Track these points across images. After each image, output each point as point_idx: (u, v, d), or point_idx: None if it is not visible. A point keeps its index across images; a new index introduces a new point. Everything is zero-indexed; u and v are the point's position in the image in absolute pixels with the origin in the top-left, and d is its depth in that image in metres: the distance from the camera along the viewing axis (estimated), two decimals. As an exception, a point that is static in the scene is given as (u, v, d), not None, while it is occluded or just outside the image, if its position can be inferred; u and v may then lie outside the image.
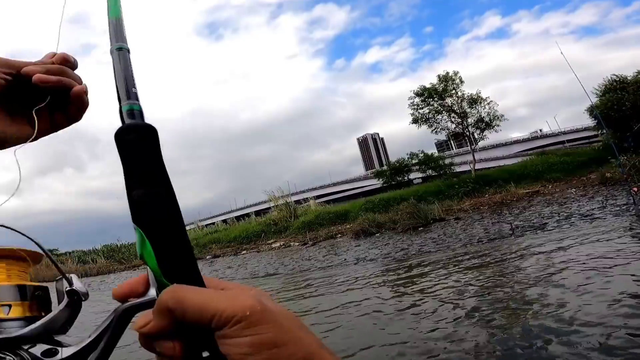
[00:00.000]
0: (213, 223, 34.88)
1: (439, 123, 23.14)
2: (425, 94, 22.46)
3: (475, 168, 23.68)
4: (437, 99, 22.31)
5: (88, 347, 0.32)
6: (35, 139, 0.46)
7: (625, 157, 15.74)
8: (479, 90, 22.27)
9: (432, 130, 23.45)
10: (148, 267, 0.33)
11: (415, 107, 23.09)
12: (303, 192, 56.91)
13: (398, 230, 15.50)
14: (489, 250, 7.57)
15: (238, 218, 33.01)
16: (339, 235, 18.92)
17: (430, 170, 26.06)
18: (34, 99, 0.45)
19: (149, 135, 0.36)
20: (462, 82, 22.28)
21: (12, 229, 0.34)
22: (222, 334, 0.28)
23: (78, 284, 0.36)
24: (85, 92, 0.47)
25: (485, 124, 22.29)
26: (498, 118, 22.18)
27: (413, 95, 22.99)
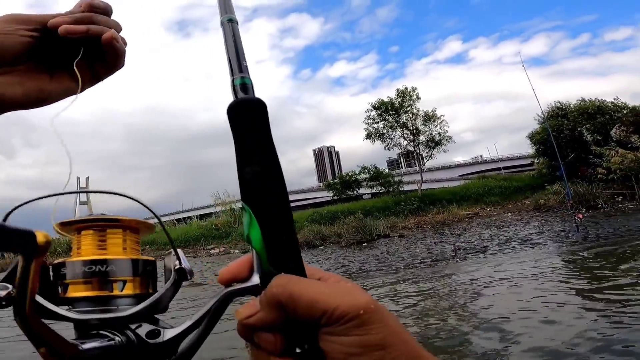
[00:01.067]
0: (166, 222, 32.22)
1: (392, 139, 23.10)
2: (383, 107, 22.34)
3: (422, 188, 23.95)
4: (393, 113, 22.24)
5: (188, 329, 0.31)
6: (80, 91, 0.44)
7: (559, 185, 16.49)
8: (435, 108, 22.58)
9: (385, 146, 23.38)
10: (254, 250, 0.31)
11: (371, 120, 22.89)
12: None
13: (342, 244, 14.88)
14: (432, 275, 7.05)
15: (179, 220, 30.78)
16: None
17: (379, 187, 26.01)
18: (70, 52, 0.43)
19: (261, 110, 0.34)
20: (418, 98, 22.46)
21: (133, 198, 0.33)
22: (329, 331, 0.26)
23: (185, 262, 0.34)
24: (116, 38, 0.43)
25: (435, 143, 22.57)
26: (447, 139, 22.57)
27: (370, 107, 22.80)
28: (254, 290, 0.30)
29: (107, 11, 0.44)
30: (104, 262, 0.31)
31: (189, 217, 31.04)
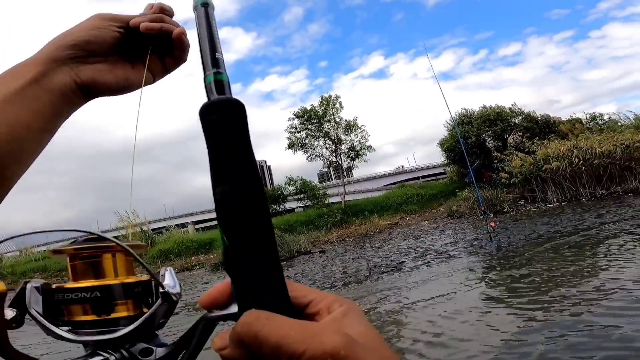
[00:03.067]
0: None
1: (314, 149, 22.17)
2: (305, 116, 21.34)
3: (348, 199, 23.37)
4: (315, 122, 21.36)
5: (179, 349, 0.31)
6: (155, 81, 0.51)
7: (468, 191, 16.82)
8: (356, 117, 22.15)
9: (308, 157, 22.38)
10: (230, 279, 0.29)
11: (294, 129, 21.77)
12: (181, 216, 50.77)
13: (260, 265, 13.31)
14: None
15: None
16: (197, 266, 15.81)
17: (306, 200, 24.92)
18: (143, 47, 0.48)
19: (238, 114, 0.29)
20: (342, 107, 21.91)
21: (94, 233, 0.33)
22: None
23: (171, 281, 0.33)
24: (184, 33, 0.49)
25: (355, 153, 22.12)
26: (367, 148, 22.26)
27: (292, 116, 21.69)
28: (234, 317, 0.28)
29: (172, 13, 0.50)
30: (95, 288, 0.31)
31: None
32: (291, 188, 24.87)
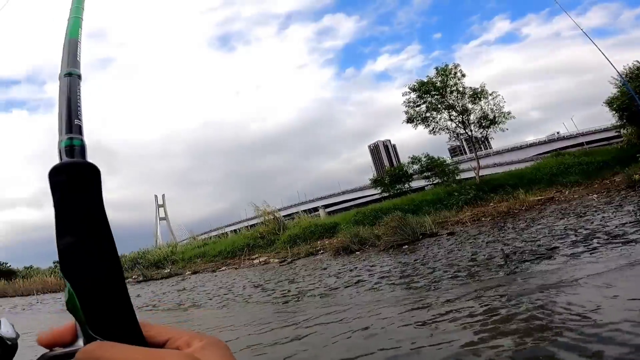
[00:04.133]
0: (223, 234, 32.36)
1: (437, 122, 19.83)
2: (422, 88, 19.27)
3: (485, 174, 20.28)
4: (435, 94, 19.07)
5: None
6: None
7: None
8: (484, 84, 18.91)
9: (431, 131, 20.18)
10: (75, 319, 0.30)
11: (411, 104, 19.91)
12: (312, 201, 54.04)
13: (380, 248, 12.50)
14: (455, 304, 4.59)
15: (235, 231, 30.53)
16: (321, 251, 16.03)
17: (434, 177, 22.73)
18: None
19: (87, 176, 0.32)
20: (463, 75, 19.03)
21: None
22: None
23: (6, 327, 0.33)
24: None
25: (489, 122, 18.85)
26: (504, 115, 18.69)
27: (408, 90, 19.86)
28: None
29: None
30: None
31: (242, 227, 30.62)
32: (415, 166, 23.04)
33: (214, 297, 9.31)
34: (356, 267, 9.50)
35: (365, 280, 7.29)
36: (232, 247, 20.99)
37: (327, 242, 17.19)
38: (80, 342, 0.29)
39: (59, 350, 0.29)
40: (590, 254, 5.27)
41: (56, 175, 0.30)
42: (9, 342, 0.31)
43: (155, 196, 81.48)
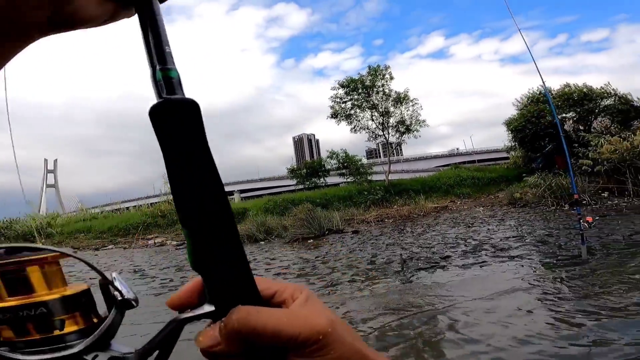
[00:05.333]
0: (127, 208, 28.47)
1: (359, 120, 20.02)
2: (351, 86, 19.17)
3: (394, 178, 21.15)
4: (362, 92, 19.14)
5: (148, 353, 0.29)
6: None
7: (538, 177, 13.91)
8: (407, 89, 19.57)
9: (352, 129, 20.31)
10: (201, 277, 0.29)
11: (338, 100, 19.74)
12: (227, 184, 51.63)
13: (286, 240, 11.99)
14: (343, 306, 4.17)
15: (137, 207, 27.25)
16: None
17: (349, 176, 23.07)
18: None
19: (192, 114, 0.28)
20: (392, 78, 19.42)
21: (80, 258, 0.31)
22: (295, 355, 0.27)
23: (123, 287, 0.30)
24: None
25: (405, 128, 19.65)
26: (419, 123, 19.66)
27: (337, 85, 19.62)
28: (212, 315, 0.28)
29: None
30: (31, 306, 0.27)
31: (154, 202, 27.48)
32: (333, 162, 23.13)
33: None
34: (255, 259, 8.77)
35: (263, 276, 6.60)
36: (125, 224, 18.52)
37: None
38: (207, 306, 0.28)
39: (190, 313, 0.28)
40: (480, 267, 5.36)
41: (160, 115, 0.26)
42: (134, 304, 0.29)
43: (45, 160, 69.41)
